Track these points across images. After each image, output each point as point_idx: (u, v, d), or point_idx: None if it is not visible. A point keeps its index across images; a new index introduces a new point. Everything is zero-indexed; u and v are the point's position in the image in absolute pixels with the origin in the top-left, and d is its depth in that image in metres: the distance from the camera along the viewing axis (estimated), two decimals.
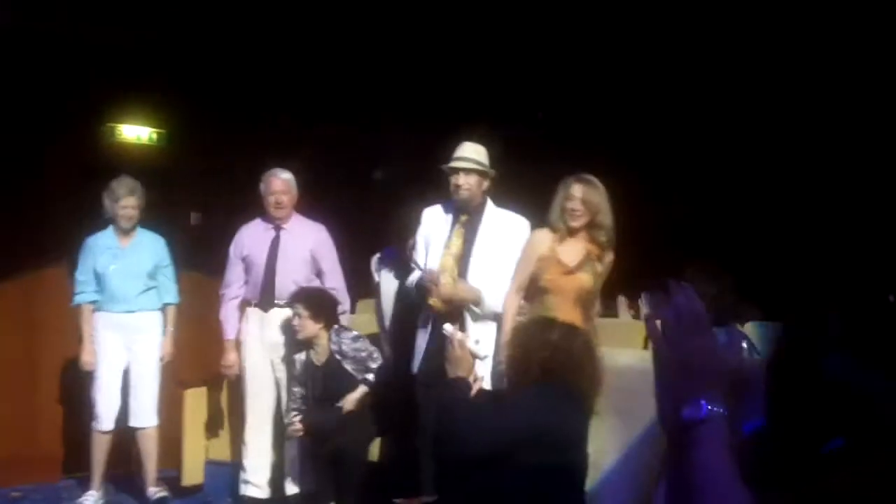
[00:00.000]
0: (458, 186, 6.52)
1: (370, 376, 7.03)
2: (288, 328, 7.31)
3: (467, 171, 6.51)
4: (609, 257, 6.39)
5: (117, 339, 7.65)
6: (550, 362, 4.18)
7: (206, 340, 7.93)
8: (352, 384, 7.03)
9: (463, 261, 6.53)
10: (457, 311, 6.38)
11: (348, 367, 7.06)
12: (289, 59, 9.18)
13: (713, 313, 5.55)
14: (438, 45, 9.06)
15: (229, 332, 7.69)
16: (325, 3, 8.70)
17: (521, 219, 6.65)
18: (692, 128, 9.13)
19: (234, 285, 7.70)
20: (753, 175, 8.97)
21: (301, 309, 7.09)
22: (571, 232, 6.34)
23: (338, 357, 7.09)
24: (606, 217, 6.33)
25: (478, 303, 6.36)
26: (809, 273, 7.91)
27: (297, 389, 7.22)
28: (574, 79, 9.34)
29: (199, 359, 8.23)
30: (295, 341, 7.23)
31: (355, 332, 7.21)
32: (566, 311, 6.07)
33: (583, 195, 6.30)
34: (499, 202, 6.68)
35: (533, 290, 6.33)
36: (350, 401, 7.00)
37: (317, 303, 7.15)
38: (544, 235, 6.40)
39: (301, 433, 7.05)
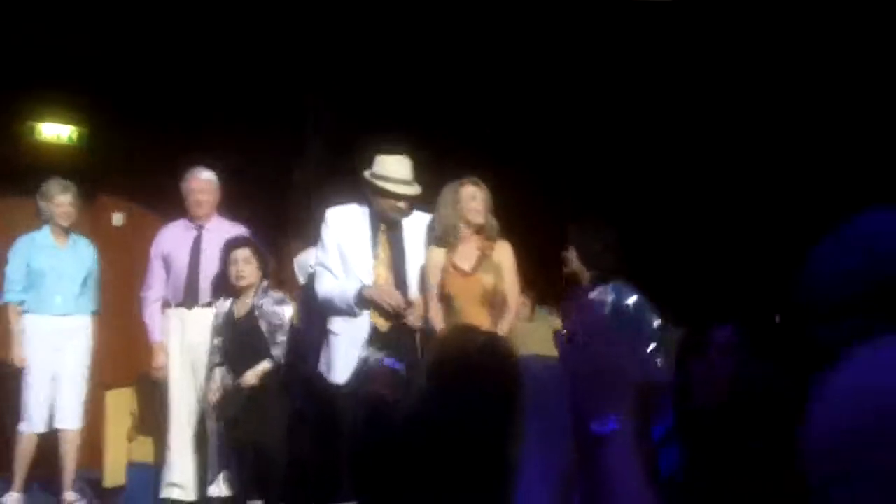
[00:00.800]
0: (393, 207, 6.50)
1: (277, 352, 6.94)
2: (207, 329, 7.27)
3: (404, 196, 6.50)
4: (505, 249, 6.43)
5: (49, 341, 7.58)
6: (467, 370, 4.22)
7: (128, 342, 7.89)
8: (263, 349, 6.95)
9: (394, 270, 6.53)
10: (403, 327, 6.40)
11: (263, 327, 6.98)
12: (209, 56, 9.13)
13: (598, 269, 5.68)
14: (363, 45, 9.07)
15: (156, 334, 7.64)
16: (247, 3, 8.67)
17: (431, 216, 6.63)
18: (593, 131, 9.22)
19: (156, 287, 7.66)
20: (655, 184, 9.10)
21: (250, 255, 7.01)
22: (465, 238, 6.41)
23: (256, 314, 7.01)
24: (491, 217, 6.44)
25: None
26: (709, 282, 8.10)
27: (216, 341, 7.11)
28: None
29: (120, 360, 8.19)
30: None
31: (282, 295, 7.18)
32: (474, 315, 6.18)
33: (483, 194, 6.39)
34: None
35: (442, 301, 6.36)
36: (250, 375, 6.90)
37: (262, 255, 7.11)
38: (436, 250, 6.45)
39: (216, 397, 7.00)
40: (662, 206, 8.99)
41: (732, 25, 8.24)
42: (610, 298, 6.02)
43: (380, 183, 6.48)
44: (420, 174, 6.58)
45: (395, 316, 6.37)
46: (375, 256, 6.53)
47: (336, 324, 6.52)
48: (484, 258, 6.40)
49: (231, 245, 7.13)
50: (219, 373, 7.05)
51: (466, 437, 4.09)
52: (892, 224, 1.71)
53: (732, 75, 8.62)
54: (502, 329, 6.21)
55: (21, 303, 7.62)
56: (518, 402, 4.34)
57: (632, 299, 6.02)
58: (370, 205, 6.58)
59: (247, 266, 7.00)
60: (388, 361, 6.11)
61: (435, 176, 6.66)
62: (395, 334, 6.40)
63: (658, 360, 5.94)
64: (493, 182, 6.49)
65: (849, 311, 1.67)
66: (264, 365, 6.94)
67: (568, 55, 8.88)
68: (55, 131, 9.09)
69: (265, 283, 7.12)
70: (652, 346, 6.02)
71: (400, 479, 4.14)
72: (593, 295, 6.05)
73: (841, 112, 8.24)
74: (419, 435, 4.15)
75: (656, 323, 6.04)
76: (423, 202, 6.63)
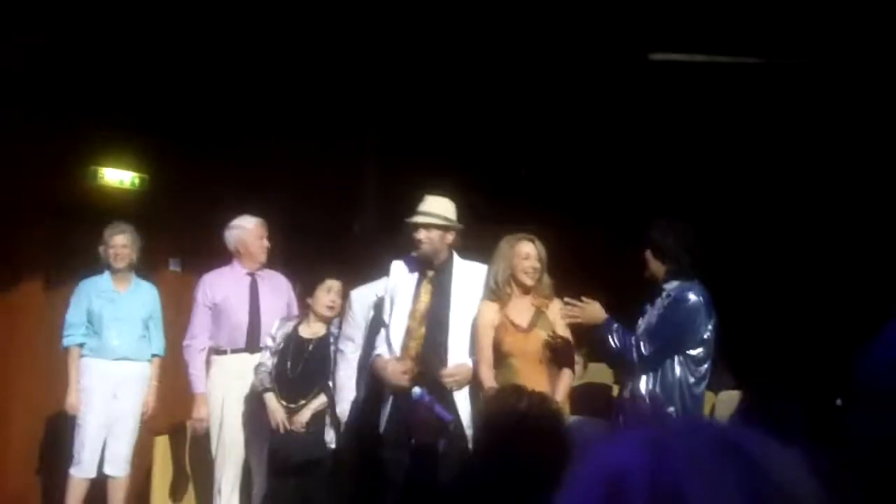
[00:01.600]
0: (419, 241, 6.49)
1: (330, 383, 6.95)
2: None
3: (427, 225, 6.49)
4: (557, 307, 6.35)
5: (107, 386, 7.60)
6: (516, 433, 4.15)
7: (180, 389, 7.85)
8: (322, 378, 6.95)
9: (430, 316, 6.49)
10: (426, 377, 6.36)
11: (332, 356, 7.00)
12: (271, 103, 9.21)
13: (675, 266, 5.56)
14: (421, 96, 9.11)
15: (200, 386, 7.60)
16: (305, 53, 8.73)
17: (486, 266, 6.61)
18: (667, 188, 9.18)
19: (202, 336, 7.63)
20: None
21: (341, 287, 7.07)
22: (523, 292, 6.36)
23: (331, 341, 7.02)
24: (546, 274, 6.40)
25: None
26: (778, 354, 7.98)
27: (268, 362, 7.04)
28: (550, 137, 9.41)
29: (171, 407, 8.16)
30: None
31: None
32: (530, 373, 6.11)
33: (538, 252, 6.34)
34: (469, 255, 6.69)
35: (496, 358, 6.29)
36: (309, 408, 6.90)
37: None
38: (488, 304, 6.39)
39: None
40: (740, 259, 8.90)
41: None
42: (675, 295, 5.97)
43: (412, 219, 6.52)
44: (466, 218, 6.64)
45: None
46: (415, 302, 6.52)
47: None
48: (539, 315, 6.34)
49: (324, 274, 7.14)
50: (272, 399, 6.97)
51: (514, 501, 4.02)
52: None
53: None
54: (562, 389, 6.21)
55: (81, 345, 7.63)
56: (565, 473, 4.27)
57: (692, 299, 5.97)
58: (418, 256, 6.61)
59: (339, 297, 7.03)
60: (439, 410, 6.04)
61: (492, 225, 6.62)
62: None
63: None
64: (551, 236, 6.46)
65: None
66: (321, 400, 6.93)
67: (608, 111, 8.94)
68: (117, 176, 9.15)
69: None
70: (699, 350, 5.93)
71: None
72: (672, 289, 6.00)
73: None
74: (465, 494, 4.10)
75: (707, 332, 5.96)
76: (478, 252, 6.64)
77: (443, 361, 6.38)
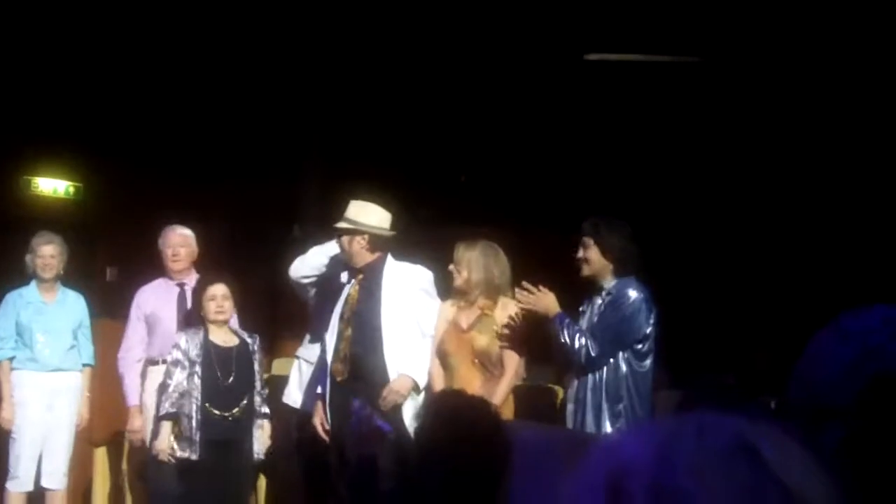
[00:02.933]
0: (343, 247, 6.55)
1: (264, 408, 6.90)
2: None
3: (340, 231, 6.54)
4: (509, 308, 6.32)
5: (40, 398, 7.48)
6: (452, 439, 4.12)
7: (118, 399, 7.73)
8: (250, 383, 6.86)
9: (357, 318, 6.47)
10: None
11: (255, 360, 6.94)
12: (203, 113, 9.14)
13: (622, 264, 5.56)
14: (362, 102, 9.09)
15: (134, 398, 7.44)
16: (239, 57, 8.69)
17: (421, 268, 6.64)
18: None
19: (138, 347, 7.50)
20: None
21: (226, 290, 6.89)
22: (464, 296, 6.35)
23: (250, 347, 6.93)
24: (498, 277, 6.34)
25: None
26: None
27: (180, 377, 6.79)
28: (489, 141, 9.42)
29: (109, 417, 8.05)
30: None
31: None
32: (464, 374, 6.19)
33: (459, 256, 6.33)
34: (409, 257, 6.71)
35: (439, 355, 6.34)
36: (263, 443, 6.84)
37: (233, 287, 7.00)
38: (443, 305, 6.45)
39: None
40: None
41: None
42: (617, 292, 5.99)
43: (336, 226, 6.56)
44: (402, 222, 6.73)
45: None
46: (343, 304, 6.52)
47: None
48: (483, 317, 6.32)
49: (206, 282, 7.01)
50: (195, 406, 6.79)
51: None
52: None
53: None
54: (500, 392, 6.16)
55: (11, 359, 7.51)
56: (505, 477, 4.25)
57: (634, 295, 5.99)
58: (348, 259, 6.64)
59: (226, 301, 6.88)
60: (377, 421, 6.03)
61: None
62: (348, 391, 6.37)
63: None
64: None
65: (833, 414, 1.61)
66: (267, 429, 6.88)
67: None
68: (52, 186, 9.03)
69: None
70: (643, 346, 5.95)
71: None
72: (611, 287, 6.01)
73: None
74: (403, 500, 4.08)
75: (650, 327, 5.98)
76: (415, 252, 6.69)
77: (375, 364, 6.37)
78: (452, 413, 4.21)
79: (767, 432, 1.24)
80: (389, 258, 6.62)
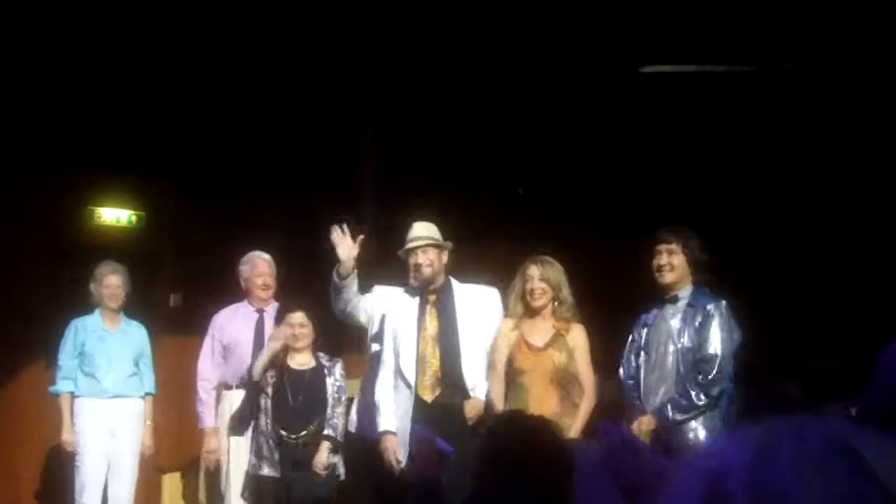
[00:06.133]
0: (418, 265, 6.51)
1: (332, 432, 6.89)
2: None
3: (424, 248, 6.52)
4: (579, 331, 6.36)
5: (103, 425, 7.54)
6: (516, 460, 4.09)
7: (186, 425, 7.80)
8: (321, 409, 6.89)
9: (441, 342, 6.50)
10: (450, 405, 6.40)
11: (328, 387, 6.95)
12: (266, 141, 9.20)
13: (705, 275, 5.51)
14: (417, 119, 9.10)
15: (209, 420, 7.56)
16: (296, 77, 8.74)
17: (491, 289, 6.69)
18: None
19: (213, 370, 7.59)
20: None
21: (303, 318, 6.96)
22: (533, 312, 6.34)
23: (324, 371, 6.97)
24: (566, 294, 6.36)
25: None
26: None
27: (265, 392, 6.92)
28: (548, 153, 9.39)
29: (177, 443, 8.12)
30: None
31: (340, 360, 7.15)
32: (540, 393, 6.14)
33: (541, 274, 6.31)
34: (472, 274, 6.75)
35: (508, 374, 6.30)
36: (325, 447, 6.86)
37: (315, 312, 7.06)
38: (508, 322, 6.42)
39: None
40: None
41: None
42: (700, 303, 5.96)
43: (405, 247, 6.56)
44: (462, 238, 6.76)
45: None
46: (421, 329, 6.51)
47: (382, 392, 6.56)
48: (557, 337, 6.32)
49: (286, 309, 7.11)
50: (271, 431, 6.90)
51: None
52: None
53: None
54: (581, 415, 6.20)
55: (71, 392, 7.58)
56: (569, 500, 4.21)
57: (723, 304, 5.98)
58: (413, 281, 6.62)
59: (302, 329, 6.95)
60: (440, 443, 6.01)
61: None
62: (439, 411, 6.35)
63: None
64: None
65: None
66: (326, 447, 6.87)
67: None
68: (114, 215, 9.13)
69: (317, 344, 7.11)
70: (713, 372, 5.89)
71: None
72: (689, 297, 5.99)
73: None
74: None
75: (725, 347, 5.93)
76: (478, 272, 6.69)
77: (460, 387, 6.41)
78: (516, 434, 4.18)
79: (870, 437, 1.23)
80: (452, 279, 6.69)
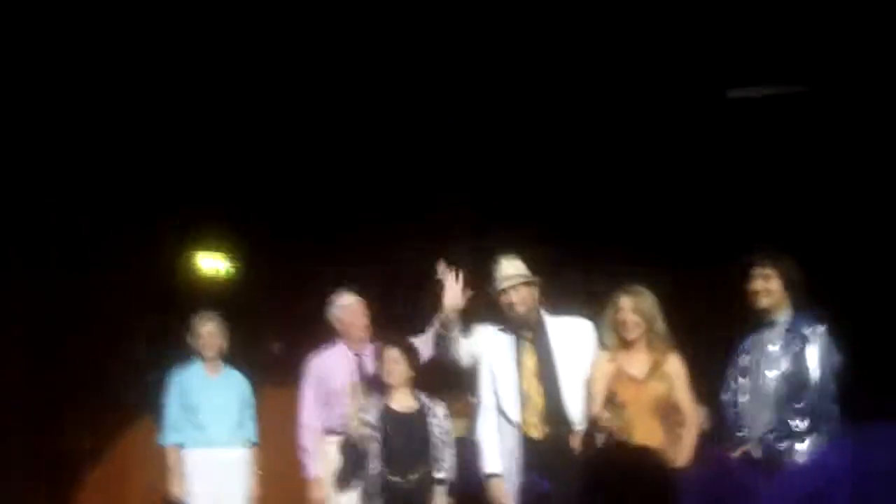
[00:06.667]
0: (512, 304, 6.48)
1: (443, 475, 6.82)
2: None
3: (517, 286, 6.50)
4: (676, 360, 6.32)
5: (210, 477, 7.62)
6: (617, 492, 4.06)
7: (291, 475, 7.80)
8: (427, 452, 6.82)
9: (544, 378, 6.47)
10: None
11: (434, 430, 6.86)
12: (353, 183, 9.28)
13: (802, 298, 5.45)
14: (506, 160, 9.12)
15: (314, 469, 7.48)
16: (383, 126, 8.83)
17: (584, 321, 6.64)
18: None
19: (315, 417, 7.53)
20: None
21: (397, 353, 6.88)
22: (627, 345, 6.31)
23: (427, 414, 6.89)
24: (660, 323, 6.32)
25: None
26: None
27: (373, 436, 6.82)
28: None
29: (284, 493, 8.14)
30: None
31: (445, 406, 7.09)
32: (644, 425, 6.07)
33: (633, 306, 6.29)
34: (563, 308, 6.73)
35: (610, 409, 6.21)
36: (440, 493, 6.79)
37: (413, 350, 6.97)
38: (603, 357, 6.38)
39: None
40: None
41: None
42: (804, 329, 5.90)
43: (495, 286, 6.52)
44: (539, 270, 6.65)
45: None
46: (521, 366, 6.49)
47: (485, 433, 6.54)
48: (656, 367, 6.29)
49: (383, 346, 7.04)
50: (378, 476, 6.83)
51: None
52: None
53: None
54: (686, 446, 6.15)
55: (180, 445, 7.68)
56: None
57: (823, 327, 5.92)
58: (507, 318, 6.57)
59: (395, 365, 6.89)
60: (538, 480, 6.03)
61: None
62: (548, 447, 6.33)
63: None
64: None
65: None
66: (442, 490, 6.83)
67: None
68: (212, 265, 9.27)
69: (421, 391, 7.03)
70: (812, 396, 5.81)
71: None
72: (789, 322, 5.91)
73: None
74: None
75: (824, 371, 5.85)
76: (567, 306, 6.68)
77: (566, 422, 6.38)
78: (626, 463, 4.16)
79: None
80: (544, 313, 6.65)
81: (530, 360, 6.51)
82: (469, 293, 6.50)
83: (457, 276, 6.48)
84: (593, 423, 6.25)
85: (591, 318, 6.62)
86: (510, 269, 6.57)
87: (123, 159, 8.61)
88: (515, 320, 6.54)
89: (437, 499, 6.83)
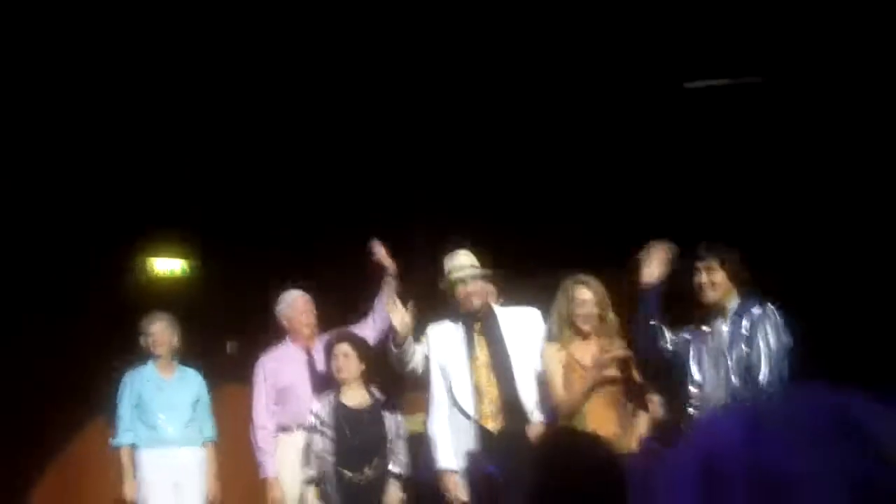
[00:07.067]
0: (468, 295, 6.46)
1: (398, 468, 6.84)
2: None
3: (471, 278, 6.48)
4: (622, 348, 6.30)
5: (166, 476, 7.54)
6: (575, 482, 4.04)
7: (247, 474, 7.75)
8: (382, 446, 6.84)
9: (496, 369, 6.44)
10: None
11: (388, 424, 6.89)
12: (308, 183, 9.25)
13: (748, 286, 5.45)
14: (451, 155, 9.10)
15: (270, 469, 7.43)
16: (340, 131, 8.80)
17: (532, 310, 6.64)
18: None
19: (271, 419, 7.49)
20: None
21: (347, 348, 6.90)
22: (582, 334, 6.29)
23: (381, 409, 6.91)
24: (611, 312, 6.34)
25: None
26: None
27: (319, 442, 6.85)
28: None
29: (241, 494, 8.09)
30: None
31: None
32: (599, 411, 6.08)
33: (588, 296, 6.27)
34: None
35: (563, 397, 6.21)
36: (395, 486, 6.82)
37: (363, 343, 6.98)
38: (553, 347, 6.34)
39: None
40: None
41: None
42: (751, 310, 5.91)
43: (449, 278, 6.49)
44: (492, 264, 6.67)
45: None
46: (473, 359, 6.45)
47: (437, 428, 6.51)
48: (605, 354, 6.25)
49: (330, 342, 7.06)
50: (333, 473, 6.84)
51: None
52: None
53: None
54: (639, 431, 6.18)
55: (132, 444, 7.60)
56: None
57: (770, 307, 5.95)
58: (459, 311, 6.56)
59: (346, 360, 6.88)
60: (490, 470, 6.01)
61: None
62: (506, 440, 6.29)
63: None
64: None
65: None
66: (397, 485, 6.84)
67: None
68: (167, 266, 9.22)
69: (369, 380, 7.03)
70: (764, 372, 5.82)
71: None
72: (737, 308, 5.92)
73: None
74: None
75: (775, 349, 5.86)
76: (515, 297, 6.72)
77: (521, 412, 6.36)
78: (574, 452, 4.14)
79: (868, 406, 1.18)
80: (492, 304, 6.67)
81: (482, 352, 6.48)
82: (411, 314, 6.46)
83: (397, 302, 6.48)
84: (548, 413, 6.24)
85: (539, 308, 6.61)
86: (464, 259, 6.55)
87: (76, 162, 8.54)
88: (467, 313, 6.51)
89: (392, 493, 6.83)
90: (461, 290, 6.47)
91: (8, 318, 8.42)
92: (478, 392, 6.41)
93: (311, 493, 6.95)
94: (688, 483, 1.19)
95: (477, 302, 6.47)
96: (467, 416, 6.42)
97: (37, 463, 8.67)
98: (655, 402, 6.51)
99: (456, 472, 6.40)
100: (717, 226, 7.23)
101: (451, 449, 6.43)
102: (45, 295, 8.56)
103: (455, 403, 6.45)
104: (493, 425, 6.37)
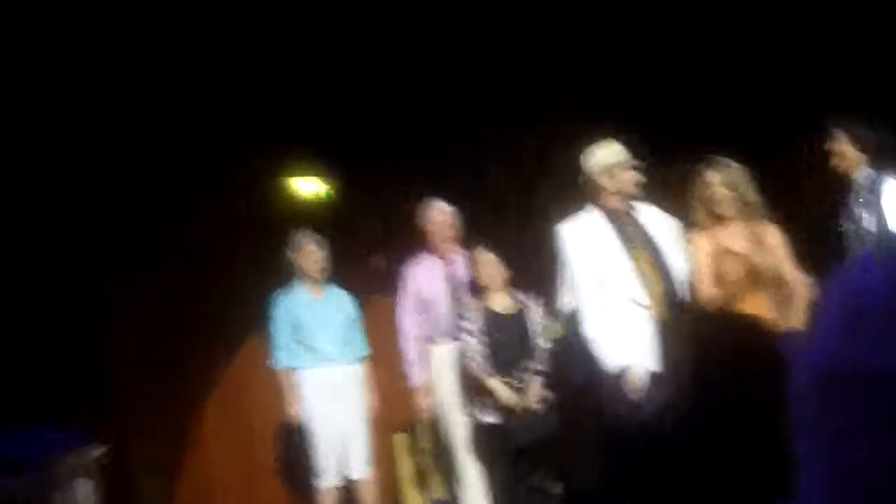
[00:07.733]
0: (627, 182, 6.29)
1: (543, 367, 6.91)
2: None
3: (626, 167, 6.31)
4: (774, 232, 6.02)
5: (327, 393, 7.63)
6: (728, 361, 3.93)
7: (402, 384, 7.77)
8: (530, 351, 6.93)
9: (656, 263, 6.24)
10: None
11: (532, 327, 6.99)
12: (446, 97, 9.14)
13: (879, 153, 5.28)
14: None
15: (415, 378, 7.58)
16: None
17: (663, 212, 6.47)
18: None
19: (415, 327, 7.58)
20: None
21: (491, 256, 7.05)
22: (722, 220, 6.01)
23: (525, 313, 7.02)
24: (752, 194, 6.02)
25: None
26: None
27: (475, 346, 6.98)
28: None
29: (401, 402, 8.13)
30: None
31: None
32: (752, 297, 5.83)
33: (721, 179, 6.01)
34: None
35: (716, 285, 5.98)
36: (537, 381, 6.89)
37: (503, 253, 7.11)
38: (699, 234, 6.09)
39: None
40: None
41: None
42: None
43: (597, 168, 6.30)
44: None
45: None
46: (635, 258, 6.24)
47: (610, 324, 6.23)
48: (756, 239, 6.00)
49: (476, 248, 7.18)
50: (498, 383, 6.91)
51: (731, 437, 3.79)
52: None
53: None
54: (795, 317, 5.79)
55: (293, 367, 7.68)
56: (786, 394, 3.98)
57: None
58: (600, 208, 6.36)
59: (490, 268, 7.04)
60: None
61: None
62: (669, 329, 6.10)
63: None
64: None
65: None
66: (538, 382, 6.90)
67: None
68: (307, 186, 9.26)
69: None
70: None
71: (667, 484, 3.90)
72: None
73: None
74: (680, 435, 3.91)
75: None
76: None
77: (679, 304, 6.16)
78: (745, 341, 4.01)
79: None
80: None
81: (642, 251, 6.27)
82: None
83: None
84: (703, 301, 6.03)
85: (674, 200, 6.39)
86: (617, 151, 6.35)
87: (208, 91, 8.58)
88: (612, 209, 6.32)
89: (534, 389, 6.89)
90: (626, 177, 6.29)
91: (160, 253, 8.56)
92: (645, 284, 6.20)
93: (498, 384, 6.96)
94: (835, 324, 1.27)
95: (631, 190, 6.31)
96: (637, 312, 6.18)
97: (202, 383, 8.84)
98: (808, 284, 6.24)
99: (635, 367, 6.16)
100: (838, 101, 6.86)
101: (628, 344, 6.17)
102: (190, 224, 8.63)
103: (623, 300, 6.20)
104: (659, 316, 6.16)
